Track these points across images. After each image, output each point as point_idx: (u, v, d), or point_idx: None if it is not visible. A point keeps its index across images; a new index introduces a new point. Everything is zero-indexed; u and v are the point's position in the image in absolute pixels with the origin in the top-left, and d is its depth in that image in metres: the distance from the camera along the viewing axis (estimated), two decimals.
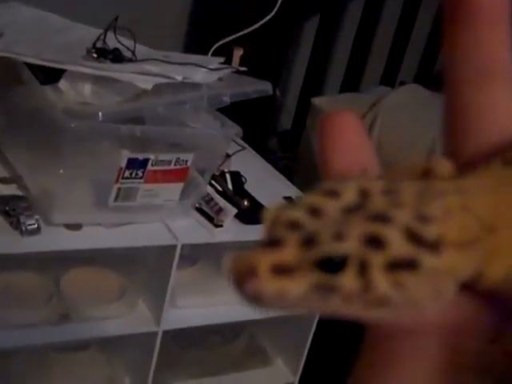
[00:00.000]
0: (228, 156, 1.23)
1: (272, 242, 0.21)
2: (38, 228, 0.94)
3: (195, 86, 1.01)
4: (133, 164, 0.94)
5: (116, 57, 1.01)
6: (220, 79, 1.06)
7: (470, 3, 0.24)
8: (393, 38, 2.06)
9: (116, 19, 1.06)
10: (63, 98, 0.95)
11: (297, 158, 1.79)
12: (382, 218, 0.21)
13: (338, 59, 1.99)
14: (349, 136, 0.26)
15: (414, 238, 0.21)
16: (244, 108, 1.22)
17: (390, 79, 2.08)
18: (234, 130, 1.04)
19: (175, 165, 0.97)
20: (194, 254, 1.10)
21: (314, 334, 1.21)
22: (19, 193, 1.00)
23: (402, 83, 1.97)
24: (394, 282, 0.20)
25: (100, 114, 0.90)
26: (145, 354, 1.10)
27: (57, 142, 0.93)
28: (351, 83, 2.01)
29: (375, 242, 0.21)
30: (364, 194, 0.22)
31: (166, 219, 1.05)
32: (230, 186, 1.18)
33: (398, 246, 0.21)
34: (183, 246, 1.02)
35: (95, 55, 1.00)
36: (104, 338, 1.07)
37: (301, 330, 1.22)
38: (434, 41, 2.15)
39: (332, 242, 0.21)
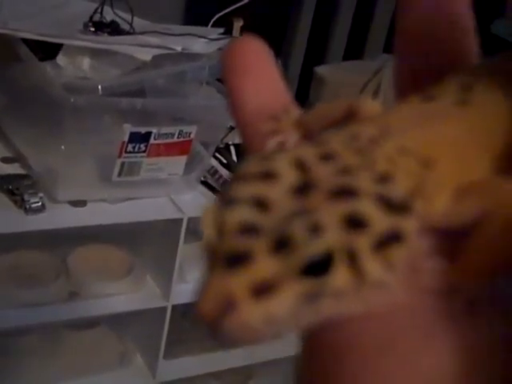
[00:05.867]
0: (232, 128, 1.21)
1: (235, 258, 0.17)
2: (43, 206, 0.93)
3: (195, 56, 0.99)
4: (135, 138, 0.93)
5: (114, 30, 0.99)
6: (220, 49, 1.04)
7: None
8: (395, 5, 2.03)
9: None
10: (62, 73, 0.93)
11: None
12: (349, 192, 0.18)
13: (340, 27, 1.96)
14: (259, 71, 0.23)
15: (387, 204, 0.18)
16: None
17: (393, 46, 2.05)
18: None
19: (178, 137, 0.96)
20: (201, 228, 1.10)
21: None
22: (22, 171, 1.00)
23: None
24: (385, 261, 0.18)
25: (100, 87, 0.89)
26: (155, 329, 1.10)
27: (57, 118, 0.92)
28: (354, 51, 1.98)
29: (355, 222, 0.17)
30: (302, 167, 0.18)
31: (171, 193, 1.04)
32: (234, 158, 1.17)
33: (379, 219, 0.17)
34: (189, 220, 1.01)
35: (92, 29, 0.99)
36: (113, 315, 1.07)
37: None
38: None
39: (311, 238, 0.17)
